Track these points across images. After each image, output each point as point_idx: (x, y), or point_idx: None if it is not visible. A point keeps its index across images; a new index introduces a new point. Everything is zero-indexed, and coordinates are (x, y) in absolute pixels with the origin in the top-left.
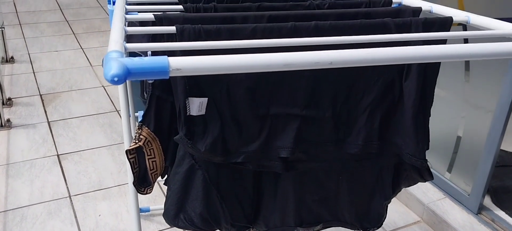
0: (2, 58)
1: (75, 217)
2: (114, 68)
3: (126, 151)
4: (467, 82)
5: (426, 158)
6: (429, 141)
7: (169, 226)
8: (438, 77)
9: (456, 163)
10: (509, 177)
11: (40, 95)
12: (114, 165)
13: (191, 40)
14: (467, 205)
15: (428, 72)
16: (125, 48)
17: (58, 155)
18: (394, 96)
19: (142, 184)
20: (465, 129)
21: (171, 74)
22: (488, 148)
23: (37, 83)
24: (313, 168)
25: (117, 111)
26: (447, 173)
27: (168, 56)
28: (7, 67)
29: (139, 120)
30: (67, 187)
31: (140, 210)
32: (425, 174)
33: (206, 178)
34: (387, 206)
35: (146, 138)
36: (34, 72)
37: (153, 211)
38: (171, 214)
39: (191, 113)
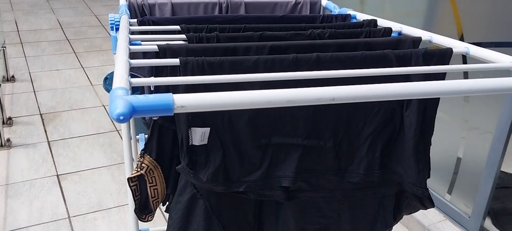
0: (3, 77)
1: None
2: (120, 106)
3: (128, 179)
4: (466, 102)
5: (427, 187)
6: (430, 170)
7: None
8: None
9: (457, 184)
10: (510, 199)
11: (41, 114)
12: (114, 186)
13: (194, 72)
14: (468, 227)
15: (428, 102)
16: (130, 84)
17: (57, 175)
18: (395, 126)
19: (144, 211)
20: (465, 150)
21: (176, 111)
22: (488, 170)
23: (37, 102)
24: (315, 197)
25: (117, 131)
26: (447, 194)
27: (171, 89)
28: (8, 86)
29: (140, 141)
30: (67, 208)
31: None
32: (426, 202)
33: (208, 207)
34: None
35: (148, 166)
36: (34, 91)
37: None
38: None
39: (193, 143)
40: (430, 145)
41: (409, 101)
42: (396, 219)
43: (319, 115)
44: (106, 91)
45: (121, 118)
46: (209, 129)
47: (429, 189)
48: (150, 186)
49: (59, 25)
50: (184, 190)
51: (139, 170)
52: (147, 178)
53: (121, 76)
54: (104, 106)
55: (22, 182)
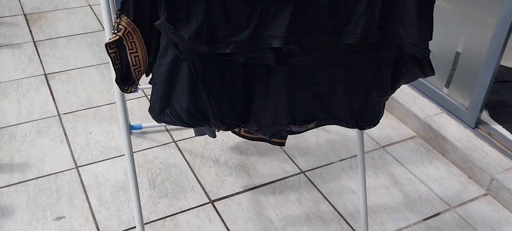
0: None
1: (65, 135)
2: None
3: (106, 45)
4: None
5: (429, 49)
6: (432, 31)
7: (162, 143)
8: None
9: (455, 78)
10: (508, 92)
11: (24, 15)
12: (103, 84)
13: None
14: (464, 119)
15: None
16: None
17: (45, 75)
18: None
19: (126, 82)
20: (465, 45)
21: None
22: (488, 62)
23: (20, 3)
24: (308, 61)
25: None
26: (444, 88)
27: None
28: None
29: None
30: (56, 106)
31: (132, 128)
32: (426, 68)
33: (192, 70)
34: (384, 103)
35: (126, 28)
36: None
37: (145, 128)
38: (156, 108)
39: None
40: (434, 1)
41: None
42: (393, 87)
43: None
44: None
45: None
46: None
47: (426, 83)
48: (130, 53)
49: None
50: (166, 51)
51: (116, 32)
52: (126, 42)
53: None
54: (90, 6)
55: (8, 81)
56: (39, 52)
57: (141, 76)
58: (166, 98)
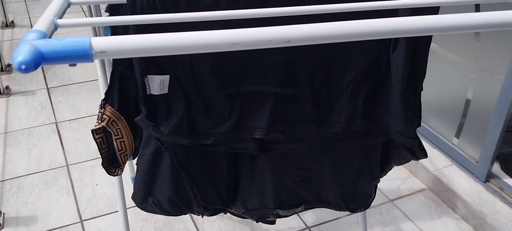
0: (2, 22)
1: (72, 186)
2: (22, 53)
3: (92, 131)
4: (477, 41)
5: (417, 137)
6: (420, 118)
7: None
8: (446, 38)
9: (465, 128)
10: None
11: None
12: None
13: (144, 11)
14: (475, 172)
15: (419, 42)
16: (56, 25)
17: (56, 123)
18: (381, 70)
19: (112, 165)
20: (475, 92)
21: (95, 58)
22: (498, 112)
23: None
24: (292, 148)
25: None
26: (455, 138)
27: (122, 30)
28: (6, 32)
29: None
30: (65, 156)
31: (133, 180)
32: (418, 152)
33: (174, 161)
34: (376, 186)
35: (110, 118)
36: None
37: None
38: (139, 197)
39: (152, 93)
40: (421, 90)
41: (396, 41)
42: (384, 170)
43: (293, 60)
44: None
45: (23, 67)
46: (168, 76)
47: (436, 133)
48: (116, 139)
49: None
50: (148, 142)
51: (100, 121)
52: (111, 130)
53: (45, 17)
54: None
55: (20, 130)
56: (52, 99)
57: (127, 160)
58: (148, 188)
